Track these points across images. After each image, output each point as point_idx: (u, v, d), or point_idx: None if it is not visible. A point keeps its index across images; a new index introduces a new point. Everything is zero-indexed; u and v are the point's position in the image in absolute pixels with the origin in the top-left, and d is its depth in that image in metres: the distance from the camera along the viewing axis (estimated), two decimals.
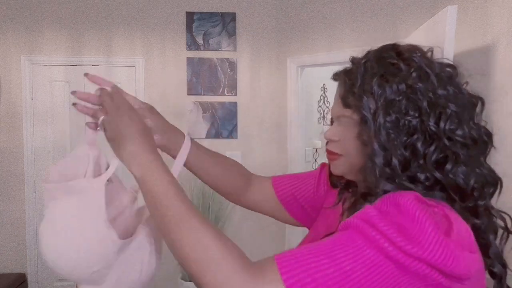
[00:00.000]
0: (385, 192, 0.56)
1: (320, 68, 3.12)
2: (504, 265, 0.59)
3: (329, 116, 3.87)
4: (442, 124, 0.57)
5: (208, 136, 3.13)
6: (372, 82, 0.59)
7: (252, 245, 3.25)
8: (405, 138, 0.58)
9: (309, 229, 0.88)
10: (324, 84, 3.74)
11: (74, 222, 0.63)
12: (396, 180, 0.57)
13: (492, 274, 0.59)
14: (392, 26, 2.47)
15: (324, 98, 3.77)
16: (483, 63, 1.85)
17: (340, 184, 0.77)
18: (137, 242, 0.68)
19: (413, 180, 0.57)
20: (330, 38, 2.83)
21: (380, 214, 0.51)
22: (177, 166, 0.75)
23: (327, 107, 3.79)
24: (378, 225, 0.49)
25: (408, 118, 0.57)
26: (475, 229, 0.57)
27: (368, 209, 0.53)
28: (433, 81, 0.59)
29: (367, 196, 0.59)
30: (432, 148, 0.57)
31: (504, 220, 0.61)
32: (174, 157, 0.78)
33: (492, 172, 0.61)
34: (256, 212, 0.92)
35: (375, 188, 0.58)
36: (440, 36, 1.66)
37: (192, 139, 0.81)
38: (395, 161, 0.57)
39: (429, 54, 0.64)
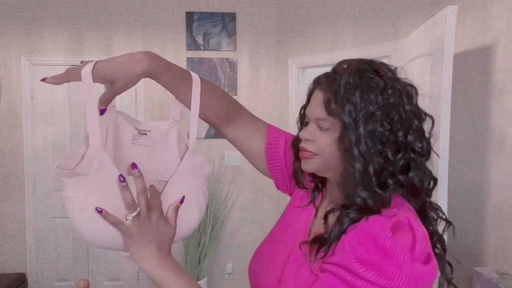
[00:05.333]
0: (361, 199, 0.64)
1: (321, 69, 3.12)
2: (443, 247, 0.71)
3: None
4: (409, 137, 0.66)
5: (208, 135, 3.14)
6: (355, 93, 0.65)
7: (251, 245, 3.25)
8: (379, 147, 0.66)
9: (277, 183, 0.93)
10: None
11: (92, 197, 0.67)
12: (370, 187, 0.64)
13: (435, 255, 0.69)
14: (392, 26, 2.47)
15: None
16: (483, 63, 1.85)
17: (301, 183, 0.83)
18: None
19: (383, 186, 0.66)
20: (330, 38, 2.83)
21: (358, 261, 0.59)
22: (194, 116, 0.78)
23: None
24: (357, 271, 0.58)
25: (382, 129, 0.65)
26: (424, 220, 0.69)
27: (346, 256, 0.60)
28: (404, 98, 0.67)
29: (347, 207, 0.66)
30: (399, 156, 0.66)
31: (438, 208, 0.73)
32: (177, 96, 0.81)
33: (432, 174, 0.71)
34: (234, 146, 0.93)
35: (352, 194, 0.65)
36: (440, 36, 1.66)
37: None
38: (371, 168, 0.64)
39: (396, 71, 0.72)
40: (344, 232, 0.65)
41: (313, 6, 2.92)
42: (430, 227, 0.70)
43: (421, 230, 0.62)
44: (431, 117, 0.73)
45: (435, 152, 0.73)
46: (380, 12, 2.53)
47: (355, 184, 0.65)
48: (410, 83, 0.72)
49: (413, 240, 0.60)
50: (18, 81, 3.05)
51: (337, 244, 0.64)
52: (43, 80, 0.67)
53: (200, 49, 3.13)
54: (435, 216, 0.72)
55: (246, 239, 3.24)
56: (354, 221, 0.65)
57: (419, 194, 0.69)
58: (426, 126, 0.71)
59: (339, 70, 0.70)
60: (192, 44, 3.13)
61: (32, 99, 3.06)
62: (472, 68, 1.93)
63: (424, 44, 1.84)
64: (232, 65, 3.16)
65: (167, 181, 0.77)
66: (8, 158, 3.07)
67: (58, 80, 0.68)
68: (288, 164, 0.88)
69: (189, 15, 3.11)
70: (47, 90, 3.07)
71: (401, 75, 0.73)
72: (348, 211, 0.65)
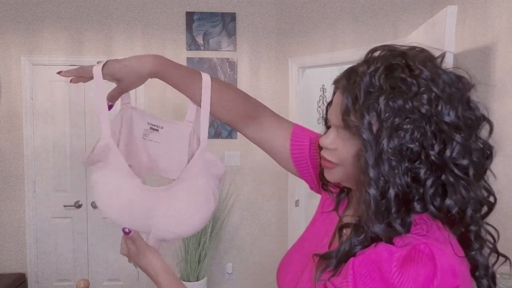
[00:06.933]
0: (373, 233, 0.55)
1: (321, 69, 3.12)
2: (490, 284, 0.61)
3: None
4: (447, 153, 0.54)
5: (208, 136, 3.13)
6: (378, 100, 0.54)
7: (252, 246, 3.25)
8: (407, 165, 0.55)
9: (309, 185, 0.88)
10: (323, 85, 3.74)
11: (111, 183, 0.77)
12: (387, 219, 0.55)
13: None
14: (392, 26, 2.47)
15: (323, 98, 3.77)
16: (483, 63, 1.85)
17: (329, 189, 0.76)
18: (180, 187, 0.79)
19: (407, 210, 0.56)
20: (330, 38, 2.83)
21: None
22: (205, 116, 0.80)
23: None
24: None
25: (411, 145, 0.54)
26: (466, 247, 0.58)
27: (345, 283, 0.55)
28: (442, 106, 0.55)
29: (359, 232, 0.58)
30: (431, 179, 0.55)
31: (493, 237, 0.62)
32: (189, 96, 0.81)
33: (489, 192, 0.60)
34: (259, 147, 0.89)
35: (365, 225, 0.56)
36: (440, 36, 1.66)
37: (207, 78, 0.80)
38: (391, 192, 0.54)
39: (438, 61, 0.60)
40: (353, 255, 0.58)
41: (313, 6, 2.92)
42: (476, 258, 0.59)
43: (446, 262, 0.52)
44: (489, 122, 0.59)
45: (491, 171, 0.60)
46: (380, 12, 2.53)
47: (369, 214, 0.55)
48: (461, 76, 0.59)
49: (432, 272, 0.51)
50: (18, 81, 3.04)
51: (344, 265, 0.58)
52: (59, 73, 0.75)
53: (200, 49, 3.13)
54: (484, 246, 0.60)
55: (246, 239, 3.24)
56: (364, 246, 0.57)
57: (458, 225, 0.57)
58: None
59: (361, 68, 0.59)
60: (192, 44, 3.13)
61: (32, 99, 3.06)
62: (472, 68, 1.93)
63: (424, 44, 1.84)
64: (232, 65, 3.16)
65: (174, 179, 0.80)
66: (8, 158, 3.07)
67: (71, 74, 0.74)
68: (314, 165, 0.82)
69: (189, 15, 3.11)
70: (47, 90, 3.07)
71: (447, 64, 0.60)
72: (358, 238, 0.57)
